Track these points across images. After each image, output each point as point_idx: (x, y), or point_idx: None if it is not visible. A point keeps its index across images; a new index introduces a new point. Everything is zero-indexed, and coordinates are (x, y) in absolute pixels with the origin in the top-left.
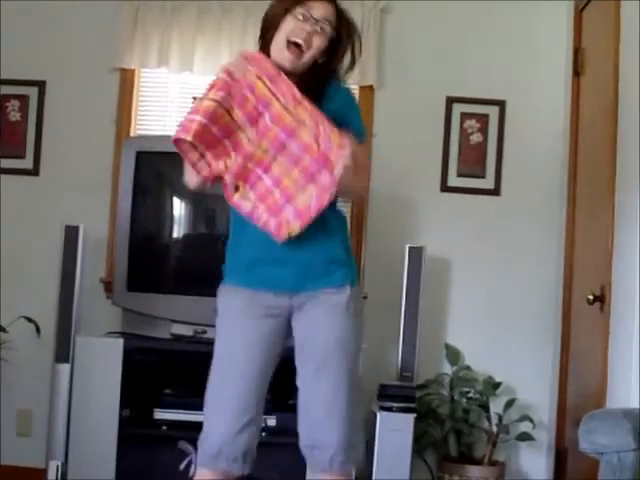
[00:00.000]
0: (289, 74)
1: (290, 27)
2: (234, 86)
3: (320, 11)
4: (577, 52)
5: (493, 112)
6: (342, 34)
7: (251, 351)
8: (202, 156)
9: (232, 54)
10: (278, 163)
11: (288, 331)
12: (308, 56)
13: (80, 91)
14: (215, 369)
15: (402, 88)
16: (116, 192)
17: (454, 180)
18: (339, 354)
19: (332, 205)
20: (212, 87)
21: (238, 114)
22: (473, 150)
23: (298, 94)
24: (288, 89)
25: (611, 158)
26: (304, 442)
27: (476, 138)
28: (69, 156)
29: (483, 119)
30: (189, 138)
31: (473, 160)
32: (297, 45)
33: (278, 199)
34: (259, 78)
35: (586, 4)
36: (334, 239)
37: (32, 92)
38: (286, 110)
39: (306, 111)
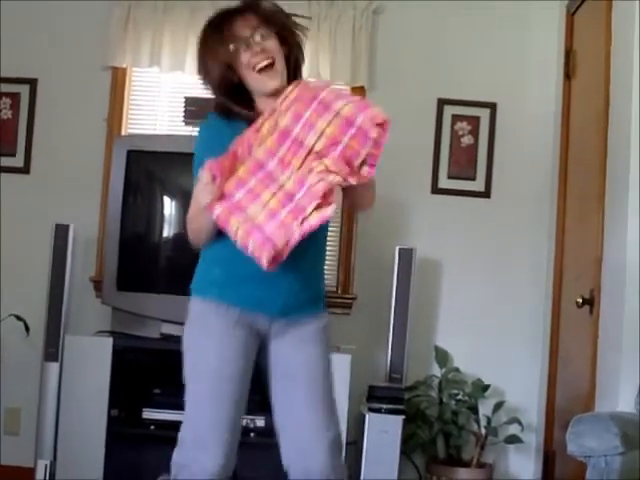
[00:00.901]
0: (280, 92)
1: (244, 61)
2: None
3: (245, 29)
4: (568, 55)
5: (484, 114)
6: (279, 23)
7: (231, 379)
8: None
9: None
10: (315, 148)
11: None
12: (280, 67)
13: (72, 89)
14: (193, 394)
15: (393, 90)
16: (106, 191)
17: (445, 182)
18: (323, 377)
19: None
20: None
21: (266, 191)
22: (464, 152)
23: (253, 127)
24: (250, 134)
25: (601, 161)
26: (296, 470)
27: (467, 140)
28: (60, 154)
29: (474, 121)
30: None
31: (464, 162)
32: (265, 67)
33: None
34: (232, 167)
35: (578, 7)
36: (321, 270)
37: (23, 90)
38: (270, 134)
39: (274, 117)
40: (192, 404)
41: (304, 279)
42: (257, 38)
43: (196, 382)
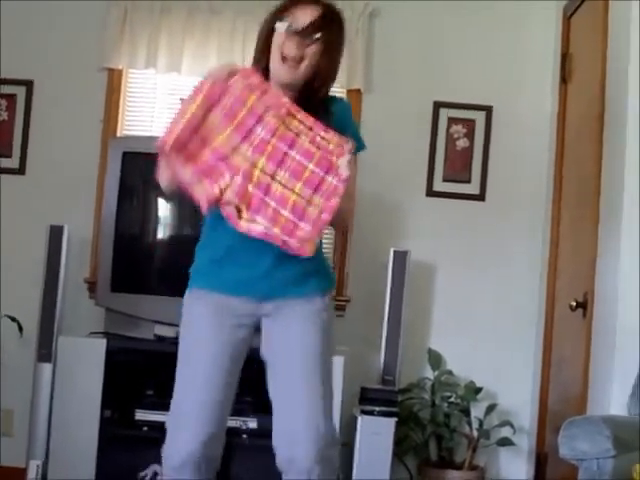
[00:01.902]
0: (288, 89)
1: (279, 42)
2: (223, 94)
3: (305, 19)
4: (565, 58)
5: (480, 117)
6: (333, 37)
7: (216, 363)
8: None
9: (220, 55)
10: (279, 181)
11: (252, 337)
12: (303, 67)
13: (68, 91)
14: (179, 380)
15: (389, 92)
16: (101, 192)
17: (440, 185)
18: (314, 364)
19: None
20: (199, 91)
21: (229, 130)
22: (459, 155)
23: (290, 105)
24: (279, 101)
25: (596, 165)
26: (281, 455)
27: (462, 143)
28: (55, 156)
29: (470, 124)
30: (168, 144)
31: (459, 165)
32: (290, 59)
33: (290, 218)
34: (249, 90)
35: (574, 11)
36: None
37: (20, 91)
38: (281, 122)
39: (300, 120)
40: (177, 388)
41: (288, 256)
42: (305, 36)
43: (182, 366)
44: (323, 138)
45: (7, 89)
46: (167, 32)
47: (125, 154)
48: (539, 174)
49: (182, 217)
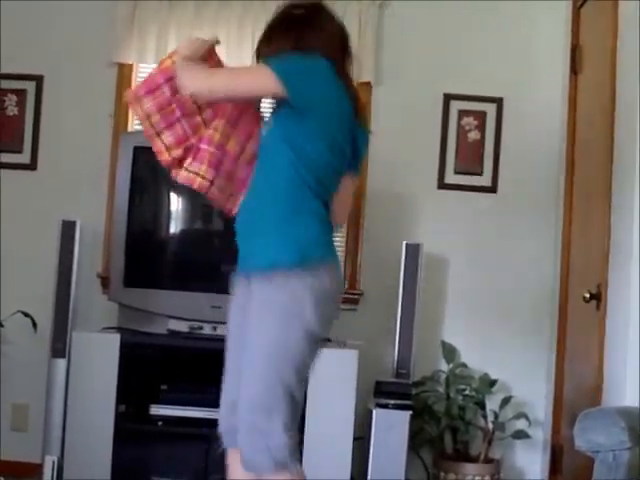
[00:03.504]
0: None
1: None
2: None
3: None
4: (575, 50)
5: (490, 109)
6: None
7: (231, 334)
8: (157, 132)
9: (229, 48)
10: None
11: None
12: None
13: (78, 86)
14: None
15: (400, 85)
16: (113, 187)
17: (451, 177)
18: (249, 345)
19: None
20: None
21: None
22: (470, 147)
23: None
24: None
25: (608, 156)
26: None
27: (473, 135)
28: (66, 151)
29: (480, 116)
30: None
31: (470, 157)
32: None
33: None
34: None
35: (584, 1)
36: (265, 207)
37: (30, 87)
38: None
39: None
40: None
41: (243, 229)
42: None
43: None
44: None
45: (17, 84)
46: (176, 26)
47: (136, 149)
48: (550, 165)
49: (194, 211)
